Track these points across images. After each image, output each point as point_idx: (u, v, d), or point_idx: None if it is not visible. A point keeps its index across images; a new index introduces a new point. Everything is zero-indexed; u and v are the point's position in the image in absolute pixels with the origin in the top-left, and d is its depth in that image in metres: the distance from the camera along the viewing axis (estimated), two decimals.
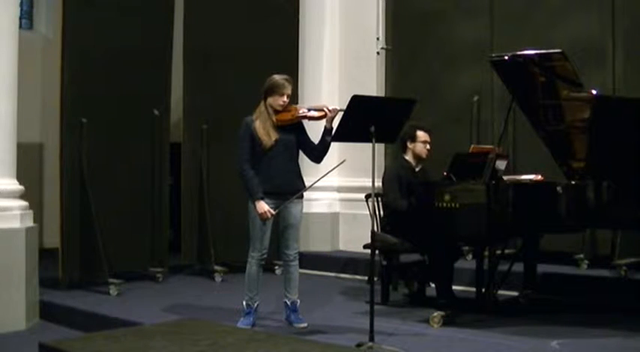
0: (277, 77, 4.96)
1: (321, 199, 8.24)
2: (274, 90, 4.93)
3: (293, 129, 4.95)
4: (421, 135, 5.80)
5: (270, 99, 4.95)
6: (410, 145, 5.83)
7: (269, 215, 4.85)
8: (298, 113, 4.92)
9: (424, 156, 5.86)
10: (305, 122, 5.07)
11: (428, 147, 5.84)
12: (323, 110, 4.89)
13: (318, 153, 5.06)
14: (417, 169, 5.89)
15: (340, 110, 4.73)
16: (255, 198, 4.86)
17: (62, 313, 5.82)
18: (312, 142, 5.06)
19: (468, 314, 5.25)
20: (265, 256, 5.02)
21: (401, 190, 5.62)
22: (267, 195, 4.90)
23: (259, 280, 5.02)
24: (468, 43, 7.38)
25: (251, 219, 4.96)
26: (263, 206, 4.84)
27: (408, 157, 5.87)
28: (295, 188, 4.97)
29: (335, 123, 4.76)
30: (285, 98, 4.93)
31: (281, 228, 5.04)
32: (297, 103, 5.26)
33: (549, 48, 4.96)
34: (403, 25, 8.08)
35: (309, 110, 4.93)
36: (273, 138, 4.88)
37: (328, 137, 4.90)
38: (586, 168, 5.07)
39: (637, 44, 6.35)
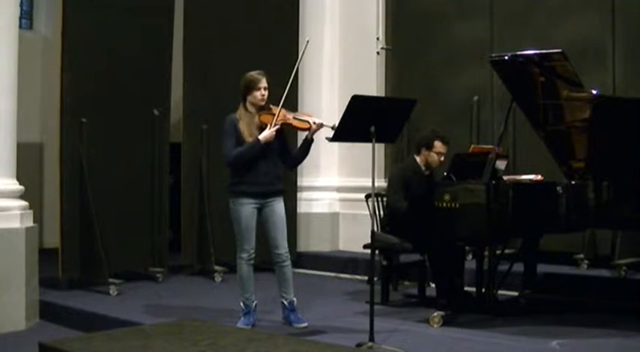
0: (249, 74, 4.97)
1: (321, 199, 8.24)
2: (250, 86, 4.92)
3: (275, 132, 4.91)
4: (438, 146, 5.72)
5: (249, 98, 4.94)
6: (424, 152, 5.76)
7: (273, 132, 4.82)
8: (282, 117, 4.89)
9: (435, 166, 5.81)
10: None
11: (442, 158, 5.78)
12: (307, 122, 4.89)
13: (292, 161, 5.15)
14: (426, 173, 5.86)
15: (325, 126, 4.79)
16: (256, 143, 4.82)
17: (62, 313, 5.82)
18: (290, 150, 5.10)
19: (468, 314, 5.25)
20: (254, 255, 5.01)
21: (404, 192, 5.61)
22: (249, 196, 4.90)
23: (252, 280, 5.02)
24: (468, 43, 7.38)
25: (235, 221, 4.95)
26: (265, 134, 4.81)
27: (420, 161, 5.82)
28: (276, 189, 5.00)
29: (317, 135, 4.85)
30: (262, 91, 4.91)
31: (267, 229, 5.02)
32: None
33: (549, 48, 4.96)
34: (403, 25, 8.08)
35: (293, 118, 4.93)
36: None
37: (307, 148, 4.97)
38: (586, 168, 5.07)
39: (637, 44, 6.35)
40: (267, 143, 4.85)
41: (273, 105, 4.96)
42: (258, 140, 4.83)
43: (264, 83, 4.93)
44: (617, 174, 4.87)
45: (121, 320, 5.25)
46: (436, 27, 7.74)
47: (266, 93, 4.93)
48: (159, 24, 7.15)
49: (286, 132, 5.06)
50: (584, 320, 5.17)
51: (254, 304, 5.03)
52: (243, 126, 4.90)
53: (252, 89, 4.92)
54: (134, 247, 6.89)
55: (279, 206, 5.02)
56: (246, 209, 4.92)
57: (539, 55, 4.88)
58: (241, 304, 5.02)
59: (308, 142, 4.95)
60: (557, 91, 5.00)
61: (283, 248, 5.02)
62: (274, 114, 4.89)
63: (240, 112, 4.97)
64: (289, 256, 5.08)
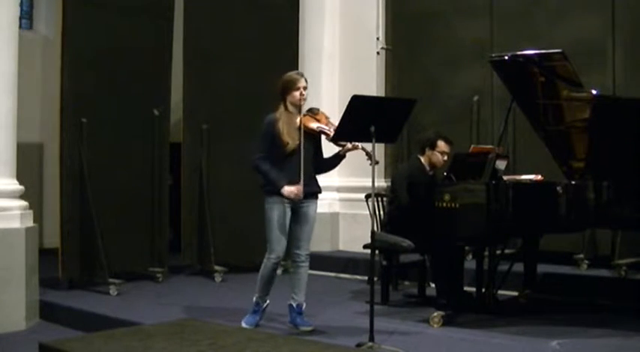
0: (287, 74, 4.93)
1: (321, 199, 8.09)
2: (288, 86, 4.88)
3: (313, 136, 4.89)
4: (442, 145, 5.79)
5: (289, 98, 4.88)
6: (428, 152, 5.83)
7: (300, 192, 4.78)
8: (324, 126, 4.85)
9: (439, 165, 5.87)
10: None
11: (445, 158, 5.83)
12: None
13: (321, 168, 5.06)
14: (430, 173, 5.89)
15: (362, 149, 4.79)
16: (280, 185, 4.78)
17: (62, 313, 5.82)
18: (322, 155, 5.06)
19: (468, 314, 5.25)
20: (282, 257, 4.97)
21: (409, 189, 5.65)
22: (282, 196, 4.84)
23: (272, 282, 4.99)
24: (468, 43, 7.38)
25: (267, 221, 4.89)
26: (291, 189, 4.77)
27: (424, 161, 5.87)
28: (312, 190, 4.96)
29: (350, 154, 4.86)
30: (302, 91, 4.87)
31: (295, 228, 4.96)
32: None
33: (549, 48, 4.96)
34: (403, 25, 8.09)
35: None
36: (298, 141, 4.81)
37: (337, 162, 4.99)
38: (586, 168, 5.07)
39: (637, 44, 6.35)
40: (298, 197, 4.80)
41: (322, 112, 4.97)
42: (280, 189, 4.78)
43: (302, 83, 4.89)
44: (617, 174, 4.87)
45: (121, 320, 5.24)
46: (436, 27, 7.75)
47: (305, 93, 4.89)
48: (159, 24, 7.15)
49: (318, 137, 4.99)
50: (584, 320, 5.18)
51: (265, 304, 5.01)
52: (282, 125, 4.83)
53: (291, 89, 4.87)
54: (134, 247, 6.89)
55: (313, 208, 4.99)
56: (279, 209, 4.86)
57: (539, 55, 4.88)
58: (254, 300, 4.99)
59: (340, 158, 4.95)
60: (557, 91, 5.00)
61: (305, 249, 4.99)
62: (319, 120, 4.88)
63: (280, 112, 4.90)
64: (309, 258, 5.02)
